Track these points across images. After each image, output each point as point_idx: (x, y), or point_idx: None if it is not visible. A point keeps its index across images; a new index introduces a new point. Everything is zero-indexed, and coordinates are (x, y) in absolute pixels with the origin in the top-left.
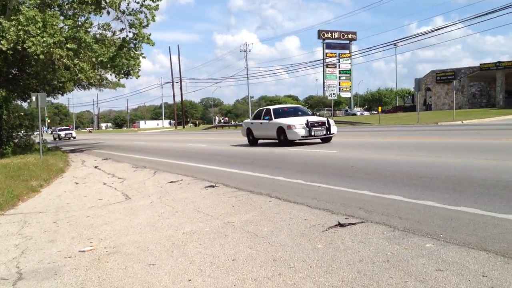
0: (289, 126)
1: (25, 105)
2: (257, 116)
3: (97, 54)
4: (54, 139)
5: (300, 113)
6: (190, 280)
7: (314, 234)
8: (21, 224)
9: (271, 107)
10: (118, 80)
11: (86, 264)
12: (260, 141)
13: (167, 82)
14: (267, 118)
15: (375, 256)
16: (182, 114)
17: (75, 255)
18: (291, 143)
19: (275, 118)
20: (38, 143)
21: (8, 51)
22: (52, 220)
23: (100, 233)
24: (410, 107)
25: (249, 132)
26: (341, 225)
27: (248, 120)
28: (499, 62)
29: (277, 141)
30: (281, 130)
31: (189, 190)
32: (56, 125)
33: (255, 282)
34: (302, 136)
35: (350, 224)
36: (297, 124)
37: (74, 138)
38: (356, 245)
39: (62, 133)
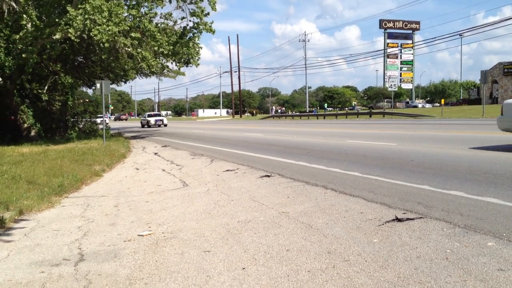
0: (149, 121)
1: (89, 92)
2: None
3: (159, 43)
4: (142, 126)
5: (157, 116)
6: (244, 268)
7: (370, 228)
8: (84, 207)
9: (147, 113)
10: (179, 68)
11: (144, 248)
12: None
13: (226, 72)
14: (145, 117)
15: (433, 253)
16: (240, 104)
17: (134, 239)
18: (150, 127)
19: (147, 117)
20: (102, 128)
21: (75, 39)
22: (113, 204)
23: (158, 218)
24: (475, 100)
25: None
26: (398, 219)
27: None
28: None
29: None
30: (147, 121)
31: (245, 179)
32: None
33: (308, 274)
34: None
35: (408, 219)
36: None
37: (166, 125)
38: (414, 241)
39: (152, 120)
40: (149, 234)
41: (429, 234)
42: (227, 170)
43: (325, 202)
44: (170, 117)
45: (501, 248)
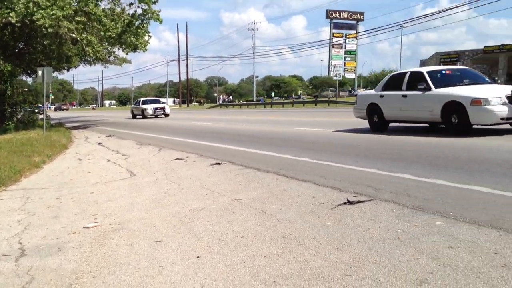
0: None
1: (29, 80)
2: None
3: (105, 28)
4: (134, 116)
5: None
6: (198, 257)
7: (323, 212)
8: (23, 200)
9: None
10: (126, 53)
11: (91, 240)
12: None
13: (173, 60)
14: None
15: (385, 233)
16: (187, 93)
17: (80, 231)
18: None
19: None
20: (41, 119)
21: (16, 24)
22: (55, 196)
23: (104, 210)
24: None
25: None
26: (350, 202)
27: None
28: (503, 45)
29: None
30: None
31: (195, 167)
32: (60, 101)
33: (265, 259)
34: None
35: (359, 202)
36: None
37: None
38: (366, 223)
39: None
40: (95, 226)
41: (380, 216)
42: (176, 159)
43: (277, 188)
44: (114, 106)
45: (449, 227)
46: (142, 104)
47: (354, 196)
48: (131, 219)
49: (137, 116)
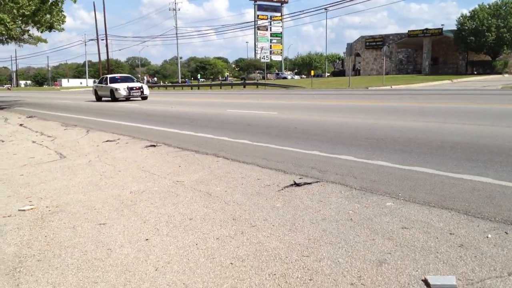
0: (116, 89)
1: None
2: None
3: (19, 5)
4: (99, 99)
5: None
6: (147, 239)
7: (270, 194)
8: None
9: (108, 76)
10: (41, 32)
11: (29, 223)
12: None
13: (91, 39)
14: (105, 83)
15: (337, 214)
16: (108, 73)
17: (15, 214)
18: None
19: (109, 83)
20: None
21: None
22: None
23: (38, 192)
24: (340, 72)
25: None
26: (296, 184)
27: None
28: (427, 29)
29: (110, 98)
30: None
31: (129, 149)
32: None
33: (218, 241)
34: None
35: (305, 183)
36: (120, 88)
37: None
38: (316, 204)
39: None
40: (32, 209)
41: (329, 197)
42: (107, 141)
43: (219, 170)
44: (30, 87)
45: (400, 208)
46: (111, 82)
47: (300, 178)
48: (69, 201)
49: (103, 98)
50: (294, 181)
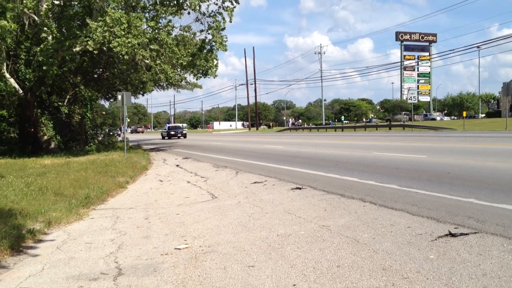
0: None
1: (106, 104)
2: (166, 127)
3: (177, 56)
4: (163, 137)
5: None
6: (295, 285)
7: (422, 243)
8: (113, 219)
9: (167, 125)
10: (196, 79)
11: (184, 262)
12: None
13: (242, 84)
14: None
15: (499, 270)
16: (256, 116)
17: (171, 253)
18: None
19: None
20: (120, 141)
21: (94, 51)
22: (143, 216)
23: (192, 231)
24: (495, 113)
25: (164, 133)
26: (452, 235)
27: (163, 129)
28: None
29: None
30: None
31: (275, 191)
32: (135, 124)
33: None
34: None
35: (462, 234)
36: (164, 132)
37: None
38: (475, 258)
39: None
40: (186, 248)
41: (490, 250)
42: (255, 182)
43: (366, 216)
44: (186, 129)
45: None
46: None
47: (455, 228)
48: (220, 242)
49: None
50: (449, 231)
